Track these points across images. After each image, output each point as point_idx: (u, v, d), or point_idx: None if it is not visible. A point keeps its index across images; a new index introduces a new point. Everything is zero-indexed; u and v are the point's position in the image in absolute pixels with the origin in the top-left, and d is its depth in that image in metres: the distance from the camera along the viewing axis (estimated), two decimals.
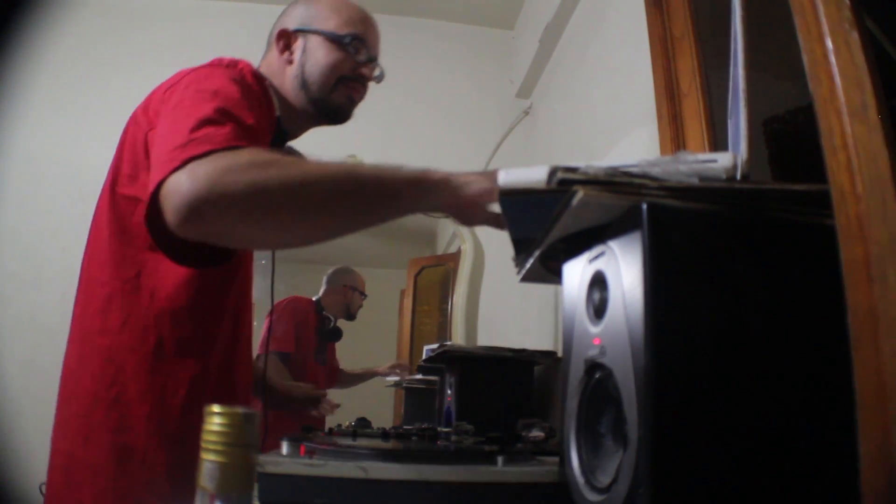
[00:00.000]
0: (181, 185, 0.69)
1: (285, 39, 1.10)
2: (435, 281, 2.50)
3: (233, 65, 0.96)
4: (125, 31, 2.45)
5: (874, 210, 0.48)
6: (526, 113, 2.54)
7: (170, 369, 0.90)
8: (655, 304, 0.54)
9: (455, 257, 2.43)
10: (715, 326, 0.55)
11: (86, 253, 1.01)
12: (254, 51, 2.55)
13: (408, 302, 2.50)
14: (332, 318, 2.41)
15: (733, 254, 0.57)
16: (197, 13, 2.53)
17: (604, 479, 0.61)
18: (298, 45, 1.09)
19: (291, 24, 1.11)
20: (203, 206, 0.68)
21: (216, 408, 0.39)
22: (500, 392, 1.65)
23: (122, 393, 0.87)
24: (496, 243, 2.39)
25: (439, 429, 1.39)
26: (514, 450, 1.09)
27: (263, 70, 1.10)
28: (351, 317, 2.47)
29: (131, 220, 0.89)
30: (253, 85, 0.93)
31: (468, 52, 2.63)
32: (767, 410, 0.54)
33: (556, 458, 0.74)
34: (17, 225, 2.23)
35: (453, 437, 1.31)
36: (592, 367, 0.65)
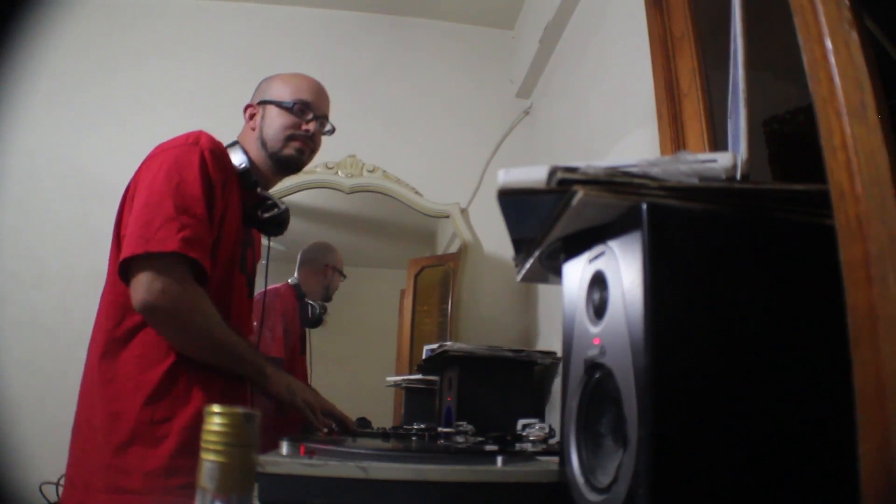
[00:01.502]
0: (142, 292, 1.08)
1: (251, 111, 1.41)
2: (435, 281, 2.49)
3: (195, 142, 1.19)
4: (125, 31, 2.45)
5: (873, 210, 0.48)
6: (526, 113, 2.54)
7: (151, 356, 1.13)
8: (655, 304, 0.54)
9: (455, 257, 2.43)
10: (715, 326, 0.55)
11: (108, 275, 1.24)
12: (252, 50, 2.55)
13: (408, 302, 2.49)
14: (316, 305, 2.25)
15: (733, 254, 0.57)
16: (197, 13, 2.53)
17: (604, 479, 0.61)
18: (259, 115, 1.39)
19: (255, 99, 1.41)
20: (150, 313, 1.10)
21: (216, 408, 0.39)
22: (500, 392, 1.65)
23: (116, 374, 1.12)
24: (496, 243, 2.39)
25: (439, 429, 1.39)
26: (514, 450, 1.10)
27: (241, 137, 1.40)
28: (328, 299, 2.28)
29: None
30: (209, 160, 1.18)
31: (468, 52, 2.63)
32: (767, 410, 0.54)
33: (556, 458, 0.74)
34: (17, 225, 2.22)
35: (453, 437, 1.31)
36: (592, 367, 0.65)
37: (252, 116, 1.39)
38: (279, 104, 1.36)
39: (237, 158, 1.32)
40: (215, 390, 1.17)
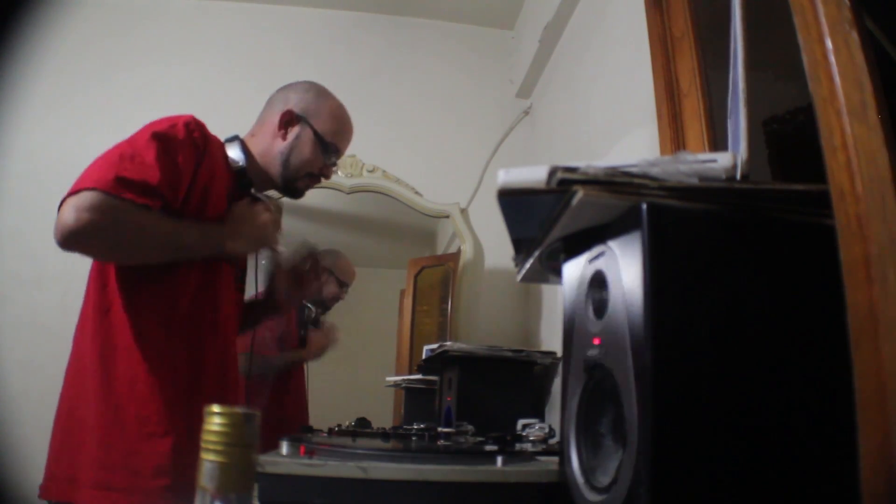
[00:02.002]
0: (60, 216, 1.02)
1: (288, 118, 1.32)
2: (435, 281, 2.49)
3: (172, 119, 1.16)
4: (126, 31, 2.45)
5: (874, 210, 0.48)
6: (526, 113, 2.54)
7: (141, 351, 1.11)
8: (655, 303, 0.54)
9: (455, 257, 2.42)
10: (715, 326, 0.55)
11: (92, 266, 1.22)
12: (252, 50, 2.55)
13: (408, 302, 2.49)
14: (313, 308, 2.22)
15: (733, 254, 0.57)
16: (197, 13, 2.53)
17: (604, 479, 0.61)
18: (295, 130, 1.32)
19: (298, 107, 1.33)
20: (70, 245, 1.04)
21: (216, 408, 0.39)
22: (500, 392, 1.65)
23: (112, 368, 1.10)
24: (496, 243, 2.39)
25: (439, 429, 1.39)
26: (513, 450, 1.10)
27: (255, 126, 1.35)
28: (322, 304, 2.25)
29: None
30: (179, 132, 1.13)
31: (468, 52, 2.62)
32: (767, 410, 0.54)
33: (556, 458, 0.74)
34: (17, 224, 2.22)
35: (453, 438, 1.31)
36: (592, 367, 0.65)
37: (287, 125, 1.32)
38: (319, 137, 1.32)
39: (235, 154, 1.28)
40: (208, 384, 1.15)
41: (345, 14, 2.58)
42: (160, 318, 1.13)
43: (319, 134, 1.32)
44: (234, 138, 1.31)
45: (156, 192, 1.07)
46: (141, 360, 1.10)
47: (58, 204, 1.04)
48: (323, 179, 1.39)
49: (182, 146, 1.13)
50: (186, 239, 1.13)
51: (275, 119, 1.33)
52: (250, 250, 1.25)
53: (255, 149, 1.33)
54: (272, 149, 1.32)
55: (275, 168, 1.32)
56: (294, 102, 1.34)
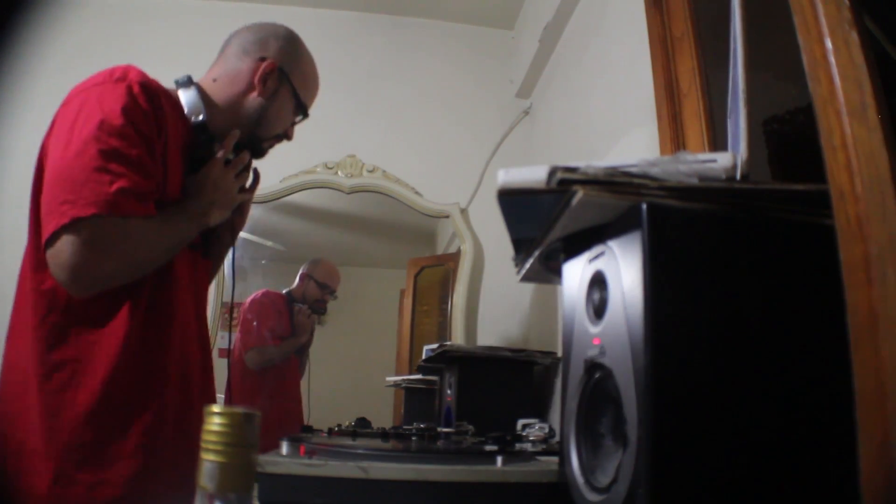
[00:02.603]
0: (63, 258, 0.89)
1: (269, 70, 1.16)
2: (435, 281, 2.50)
3: (122, 77, 1.00)
4: (126, 31, 2.45)
5: (873, 210, 0.48)
6: (526, 113, 2.54)
7: (89, 358, 0.96)
8: (655, 304, 0.54)
9: (455, 257, 2.43)
10: (714, 326, 0.55)
11: (23, 257, 1.10)
12: None
13: (408, 302, 2.49)
14: (302, 307, 2.35)
15: (733, 254, 0.57)
16: (197, 13, 2.53)
17: (604, 479, 0.61)
18: (273, 85, 1.16)
19: (278, 59, 1.18)
20: (77, 281, 0.90)
21: (216, 408, 0.39)
22: (500, 392, 1.65)
23: (51, 384, 0.94)
24: (496, 243, 2.39)
25: (439, 429, 1.39)
26: (513, 450, 1.10)
27: (218, 69, 1.19)
28: (311, 307, 2.35)
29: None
30: (142, 101, 0.98)
31: (468, 52, 2.63)
32: (767, 410, 0.54)
33: (556, 458, 0.74)
34: (17, 224, 2.22)
35: (453, 438, 1.31)
36: (592, 367, 0.65)
37: (266, 77, 1.15)
38: (296, 98, 1.18)
39: (191, 103, 1.11)
40: (173, 389, 1.01)
41: (345, 14, 2.58)
42: (118, 325, 0.97)
43: (297, 93, 1.19)
44: (189, 82, 1.14)
45: (150, 193, 0.96)
46: (91, 370, 0.94)
47: (47, 233, 0.91)
48: (285, 140, 1.25)
49: (147, 118, 0.97)
50: (183, 229, 1.03)
51: (248, 66, 1.17)
52: (225, 217, 1.14)
53: (219, 97, 1.16)
54: (243, 101, 1.16)
55: (245, 123, 1.15)
56: (274, 52, 1.18)
